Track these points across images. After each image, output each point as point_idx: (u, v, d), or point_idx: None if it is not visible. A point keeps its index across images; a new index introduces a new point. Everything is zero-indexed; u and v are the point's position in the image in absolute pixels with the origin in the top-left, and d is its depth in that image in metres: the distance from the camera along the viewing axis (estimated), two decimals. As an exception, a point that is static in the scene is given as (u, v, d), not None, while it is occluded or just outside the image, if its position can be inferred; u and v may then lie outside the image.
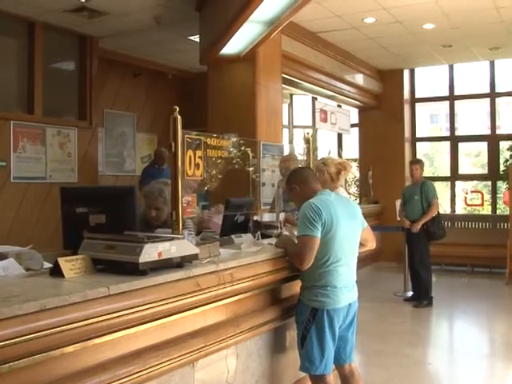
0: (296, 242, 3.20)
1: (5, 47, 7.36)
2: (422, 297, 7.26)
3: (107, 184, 8.70)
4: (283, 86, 7.75)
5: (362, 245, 3.40)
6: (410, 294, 7.58)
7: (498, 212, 10.30)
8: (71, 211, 2.86)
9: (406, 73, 10.92)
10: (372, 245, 3.54)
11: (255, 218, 4.46)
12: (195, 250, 2.63)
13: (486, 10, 7.10)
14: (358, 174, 11.52)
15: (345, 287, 3.14)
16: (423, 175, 7.59)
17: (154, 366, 2.33)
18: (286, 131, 10.25)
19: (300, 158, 5.81)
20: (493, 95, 10.34)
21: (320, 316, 3.08)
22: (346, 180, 10.58)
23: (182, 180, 2.89)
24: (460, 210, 10.76)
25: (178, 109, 2.85)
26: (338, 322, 3.13)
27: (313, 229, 3.02)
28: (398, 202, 7.96)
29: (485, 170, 10.66)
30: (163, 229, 3.06)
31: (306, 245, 3.05)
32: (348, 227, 3.17)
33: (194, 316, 2.63)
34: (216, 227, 4.62)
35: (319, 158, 5.35)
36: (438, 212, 7.33)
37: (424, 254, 7.28)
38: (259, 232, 3.81)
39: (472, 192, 10.57)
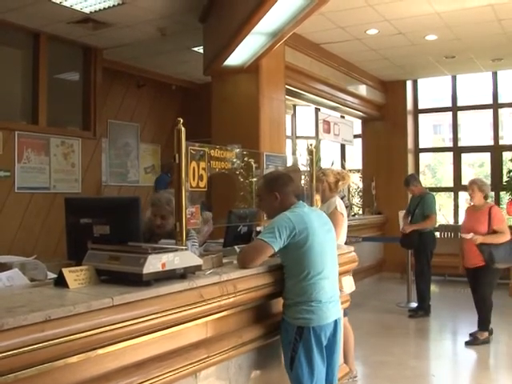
0: None
1: (10, 58, 7.42)
2: (417, 307, 7.36)
3: (111, 194, 8.73)
4: (286, 97, 7.79)
5: None
6: (415, 304, 7.56)
7: (502, 223, 10.28)
8: (75, 222, 2.87)
9: (409, 84, 10.96)
10: None
11: (258, 228, 4.46)
12: (199, 261, 2.64)
13: (488, 22, 7.14)
14: (361, 185, 11.53)
15: (329, 302, 3.00)
16: (427, 186, 7.64)
17: (157, 377, 2.33)
18: (289, 142, 10.27)
19: (303, 168, 5.83)
20: (496, 106, 10.36)
21: (307, 334, 2.93)
22: (349, 191, 10.62)
23: (186, 191, 2.90)
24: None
25: (181, 120, 2.87)
26: (325, 340, 2.99)
27: (274, 240, 2.89)
28: (401, 213, 7.96)
29: (488, 181, 10.62)
30: (167, 240, 3.07)
31: (257, 248, 2.95)
32: (325, 239, 3.06)
33: (196, 327, 2.64)
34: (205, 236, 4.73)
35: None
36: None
37: (425, 265, 7.36)
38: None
39: (475, 203, 10.52)
